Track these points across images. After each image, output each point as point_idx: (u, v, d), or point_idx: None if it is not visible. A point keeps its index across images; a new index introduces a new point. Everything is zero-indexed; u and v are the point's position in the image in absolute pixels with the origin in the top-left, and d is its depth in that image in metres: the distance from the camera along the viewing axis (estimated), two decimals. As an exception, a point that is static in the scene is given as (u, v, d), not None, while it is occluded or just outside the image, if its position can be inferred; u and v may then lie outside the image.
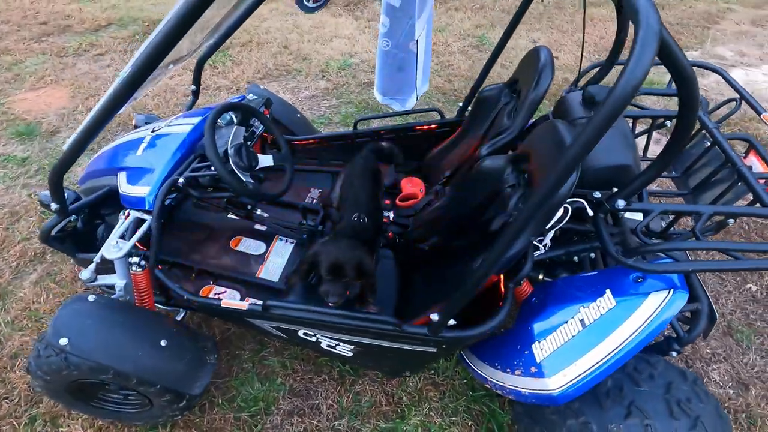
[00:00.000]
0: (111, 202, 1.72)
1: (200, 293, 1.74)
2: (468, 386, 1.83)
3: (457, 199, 1.61)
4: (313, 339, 1.46)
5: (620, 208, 1.10)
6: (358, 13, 5.12)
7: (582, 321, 1.13)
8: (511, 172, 1.35)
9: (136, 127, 2.06)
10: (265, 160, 1.64)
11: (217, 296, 1.74)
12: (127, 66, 1.08)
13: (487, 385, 1.35)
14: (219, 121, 1.62)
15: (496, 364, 1.28)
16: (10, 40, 4.21)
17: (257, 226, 2.05)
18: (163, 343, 1.38)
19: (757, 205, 1.21)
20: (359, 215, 1.46)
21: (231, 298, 1.76)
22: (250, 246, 1.99)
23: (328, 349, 1.48)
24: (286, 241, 2.03)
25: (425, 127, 2.18)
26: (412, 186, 2.12)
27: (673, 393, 1.21)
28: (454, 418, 1.74)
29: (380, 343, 1.33)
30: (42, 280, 2.14)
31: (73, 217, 1.67)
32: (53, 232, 1.59)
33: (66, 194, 1.61)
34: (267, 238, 2.02)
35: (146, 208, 1.47)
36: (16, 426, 1.65)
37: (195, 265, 1.83)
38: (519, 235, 0.92)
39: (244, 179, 1.43)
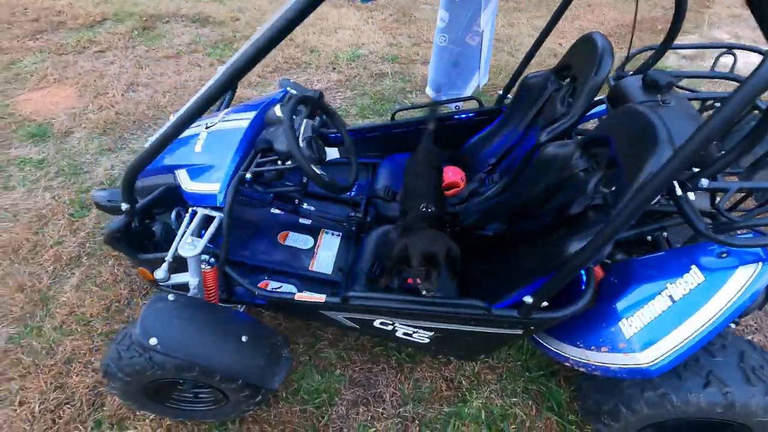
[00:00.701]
0: (161, 201, 1.70)
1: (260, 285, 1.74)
2: (523, 368, 1.89)
3: (518, 186, 1.64)
4: (389, 328, 1.48)
5: (704, 187, 1.15)
6: (358, 4, 5.07)
7: (671, 296, 1.18)
8: (580, 157, 1.39)
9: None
10: (332, 153, 1.63)
11: (274, 291, 1.74)
12: (226, 64, 1.07)
13: (567, 364, 1.40)
14: (278, 113, 1.61)
15: (578, 343, 1.33)
16: (2, 38, 4.05)
17: (302, 220, 2.05)
18: (243, 338, 1.38)
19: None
20: (426, 205, 1.47)
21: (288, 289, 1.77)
22: (297, 240, 1.99)
23: (404, 337, 1.51)
24: (333, 234, 2.04)
25: (464, 116, 2.19)
26: (453, 175, 2.14)
27: (747, 361, 1.28)
28: (514, 399, 1.79)
29: (464, 328, 1.36)
30: (83, 284, 2.10)
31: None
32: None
33: (117, 194, 1.59)
34: (313, 232, 2.03)
35: (217, 205, 1.46)
36: (83, 430, 1.63)
37: (248, 261, 1.83)
38: (630, 220, 0.95)
39: (319, 172, 1.43)
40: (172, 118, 1.28)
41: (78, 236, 2.31)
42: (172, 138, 1.20)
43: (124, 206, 1.43)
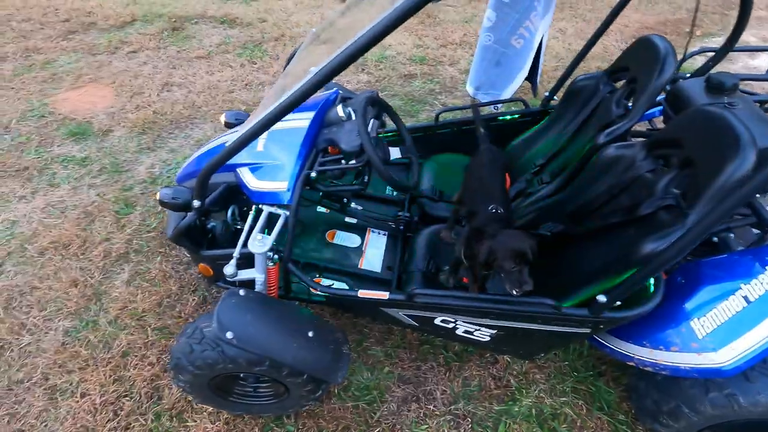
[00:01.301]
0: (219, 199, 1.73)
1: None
2: (571, 368, 1.90)
3: (575, 187, 1.65)
4: (450, 326, 1.50)
5: (779, 189, 1.16)
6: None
7: (745, 297, 1.19)
8: (644, 158, 1.40)
9: (226, 124, 2.06)
10: (395, 153, 1.66)
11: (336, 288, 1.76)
12: (320, 66, 1.09)
13: (630, 363, 1.41)
14: (341, 113, 1.64)
15: (644, 343, 1.34)
16: (36, 38, 4.13)
17: (348, 219, 2.07)
18: (310, 334, 1.41)
19: None
20: (495, 207, 1.49)
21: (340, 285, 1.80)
22: (345, 239, 2.02)
23: (464, 335, 1.53)
24: (379, 233, 2.06)
25: (508, 117, 2.21)
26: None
27: (813, 362, 1.28)
28: (564, 399, 1.80)
29: (528, 326, 1.38)
30: (133, 279, 2.14)
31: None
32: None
33: (183, 192, 1.62)
34: (359, 231, 2.05)
35: (285, 203, 1.49)
36: (144, 422, 1.66)
37: (299, 259, 1.86)
38: (718, 222, 0.96)
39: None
40: (252, 119, 1.31)
41: (125, 233, 2.36)
42: (255, 137, 1.23)
43: (197, 203, 1.46)
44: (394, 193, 2.25)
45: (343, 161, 1.54)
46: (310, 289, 1.56)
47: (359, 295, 1.48)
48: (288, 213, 1.48)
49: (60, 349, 1.87)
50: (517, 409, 1.77)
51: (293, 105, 1.16)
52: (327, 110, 1.82)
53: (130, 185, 2.65)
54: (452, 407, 1.78)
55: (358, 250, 1.98)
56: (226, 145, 1.61)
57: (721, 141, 1.12)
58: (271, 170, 1.55)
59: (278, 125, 1.70)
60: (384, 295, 1.46)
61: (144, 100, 3.35)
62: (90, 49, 4.00)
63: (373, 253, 1.97)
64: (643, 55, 1.61)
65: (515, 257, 1.24)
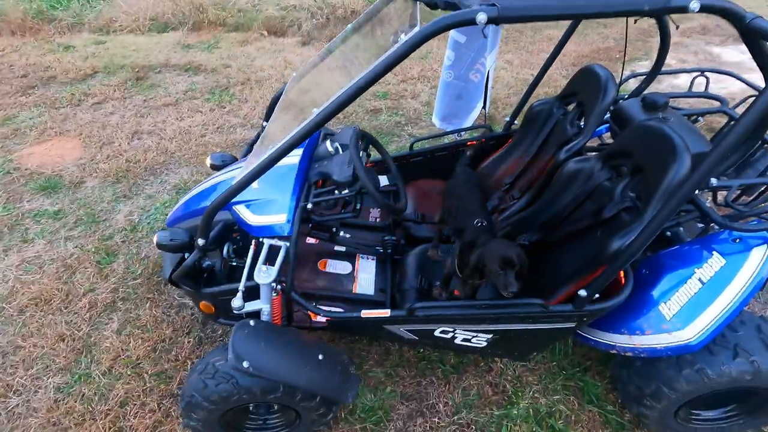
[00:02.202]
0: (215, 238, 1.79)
1: (309, 314, 1.83)
2: (559, 367, 2.03)
3: (544, 200, 1.84)
4: (449, 336, 1.61)
5: (713, 185, 1.38)
6: (343, 47, 5.38)
7: (700, 279, 1.38)
8: (601, 169, 1.62)
9: (212, 166, 2.14)
10: (383, 181, 1.79)
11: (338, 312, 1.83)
12: (326, 104, 1.22)
13: (613, 351, 1.56)
14: (330, 148, 1.77)
15: (623, 330, 1.50)
16: (-7, 95, 4.06)
17: (336, 248, 2.17)
18: (320, 357, 1.47)
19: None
20: (480, 220, 1.64)
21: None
22: (336, 267, 2.10)
23: (462, 343, 1.64)
24: (368, 258, 2.16)
25: (475, 142, 2.42)
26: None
27: (764, 332, 1.48)
28: (557, 397, 1.93)
29: (521, 327, 1.51)
30: (123, 328, 2.12)
31: (187, 254, 1.73)
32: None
33: (180, 233, 1.68)
34: (349, 257, 2.15)
35: (286, 234, 1.57)
36: (151, 471, 1.63)
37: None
38: (670, 217, 1.15)
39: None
40: (254, 159, 1.41)
41: (109, 282, 2.33)
42: (259, 175, 1.33)
43: (201, 241, 1.51)
44: (377, 219, 2.38)
45: (336, 191, 1.66)
46: (311, 315, 1.64)
47: (363, 315, 1.57)
48: (288, 244, 1.57)
49: (53, 407, 1.80)
50: (516, 412, 1.87)
51: (296, 143, 1.27)
52: (314, 146, 1.95)
53: (109, 234, 2.63)
54: (456, 417, 1.86)
55: (350, 276, 2.06)
56: (231, 182, 1.70)
57: (663, 149, 1.34)
58: (268, 205, 1.64)
59: None
60: (386, 312, 1.56)
61: (115, 149, 3.36)
62: (52, 103, 3.97)
63: (365, 278, 2.06)
64: (588, 82, 1.86)
65: (502, 262, 1.38)
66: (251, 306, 1.54)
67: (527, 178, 2.12)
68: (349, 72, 1.96)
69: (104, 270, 2.40)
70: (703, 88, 2.09)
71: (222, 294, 1.67)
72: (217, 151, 3.38)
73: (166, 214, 2.77)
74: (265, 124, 2.26)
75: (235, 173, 1.87)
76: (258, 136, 2.33)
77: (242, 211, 1.67)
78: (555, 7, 1.06)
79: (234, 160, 2.17)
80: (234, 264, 1.82)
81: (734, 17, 1.04)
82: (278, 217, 1.59)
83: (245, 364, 1.32)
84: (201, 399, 1.40)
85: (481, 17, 1.03)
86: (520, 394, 1.93)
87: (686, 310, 1.38)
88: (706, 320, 1.35)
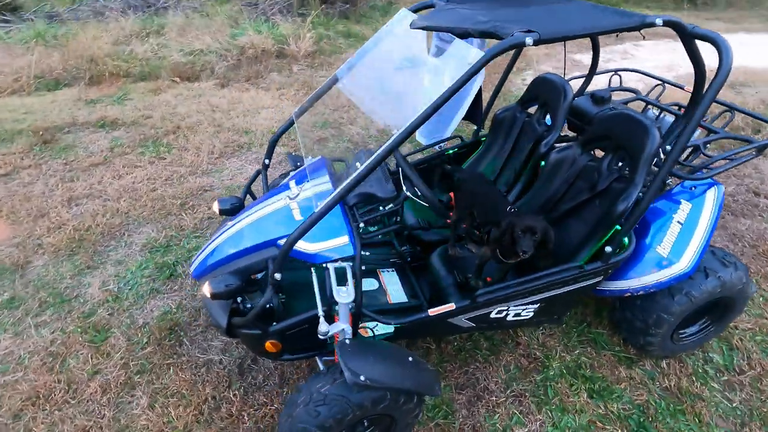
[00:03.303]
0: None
1: (359, 331, 1.91)
2: (569, 327, 2.37)
3: (536, 188, 2.18)
4: (503, 315, 1.83)
5: (668, 150, 1.84)
6: (264, 85, 5.43)
7: (678, 222, 1.81)
8: (581, 154, 2.01)
9: (222, 211, 2.10)
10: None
11: (372, 330, 1.91)
12: (391, 139, 1.38)
13: (627, 294, 1.92)
14: (358, 165, 1.90)
15: (633, 275, 1.87)
16: None
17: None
18: (410, 359, 1.58)
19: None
20: (512, 207, 1.90)
21: (384, 329, 1.97)
22: (365, 285, 2.20)
23: (514, 319, 1.86)
24: (388, 271, 2.30)
25: (451, 151, 2.73)
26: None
27: (718, 255, 1.98)
28: (577, 351, 2.25)
29: (561, 291, 1.79)
30: (155, 401, 1.94)
31: (239, 298, 1.71)
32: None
33: (232, 278, 1.66)
34: (372, 275, 2.26)
35: (353, 254, 1.65)
36: None
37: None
38: (665, 180, 1.54)
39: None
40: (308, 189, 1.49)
41: (114, 359, 2.11)
42: (333, 206, 1.43)
43: (278, 276, 1.53)
44: (379, 236, 2.52)
45: (381, 208, 1.79)
46: (380, 324, 1.73)
47: (430, 313, 1.72)
48: (351, 264, 1.66)
49: (109, 504, 1.60)
50: (552, 373, 2.15)
51: (376, 166, 1.41)
52: (333, 174, 2.05)
53: (90, 310, 2.36)
54: (508, 391, 2.07)
55: (381, 290, 2.17)
56: (263, 223, 1.72)
57: (636, 128, 1.76)
58: (323, 232, 1.71)
59: (305, 194, 1.89)
60: (451, 306, 1.72)
61: (54, 221, 2.99)
62: (-55, 183, 3.37)
63: (394, 288, 2.19)
64: (547, 87, 2.28)
65: (526, 228, 1.63)
66: (334, 328, 1.58)
67: (509, 173, 2.46)
68: (366, 96, 2.13)
69: (102, 348, 2.15)
70: (617, 84, 2.67)
71: (290, 328, 1.68)
72: (177, 203, 3.21)
73: (147, 277, 2.58)
74: (267, 162, 2.30)
75: (262, 213, 1.88)
76: (257, 174, 2.34)
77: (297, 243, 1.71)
78: (572, 30, 1.40)
79: (240, 202, 2.15)
80: (283, 299, 1.83)
81: (682, 27, 1.47)
82: (340, 240, 1.67)
83: (362, 378, 1.38)
84: (316, 428, 1.41)
85: (529, 41, 1.32)
86: (549, 357, 2.22)
87: (676, 246, 1.80)
88: (693, 250, 1.78)
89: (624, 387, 2.08)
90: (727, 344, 2.30)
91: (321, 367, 1.84)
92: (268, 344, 1.72)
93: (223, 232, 1.93)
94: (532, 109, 2.46)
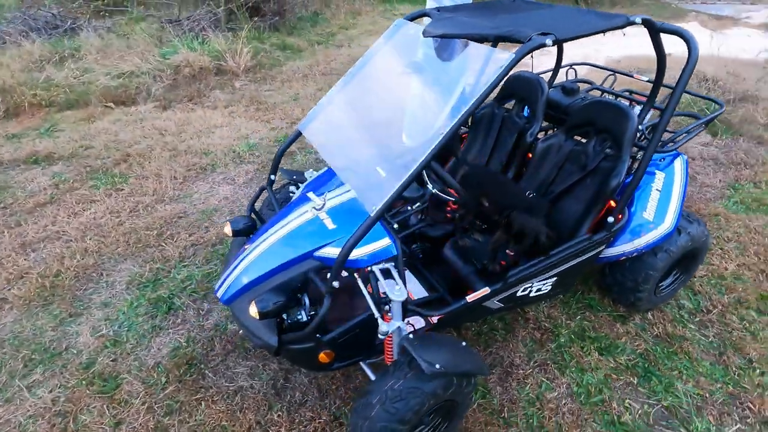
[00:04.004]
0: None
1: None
2: (568, 297, 2.62)
3: (527, 175, 2.39)
4: (527, 292, 1.99)
5: (642, 128, 2.14)
6: (209, 104, 5.22)
7: (656, 189, 2.11)
8: (566, 140, 2.25)
9: (235, 232, 2.04)
10: None
11: (413, 324, 1.99)
12: (423, 155, 1.48)
13: (623, 258, 2.19)
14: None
15: (625, 240, 2.13)
16: None
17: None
18: (463, 344, 1.68)
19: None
20: (529, 192, 2.06)
21: (418, 323, 2.06)
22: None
23: (536, 294, 2.04)
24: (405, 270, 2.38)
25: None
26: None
27: (683, 213, 2.32)
28: (578, 317, 2.50)
29: (573, 263, 2.00)
30: (195, 439, 1.83)
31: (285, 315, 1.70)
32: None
33: (276, 296, 1.66)
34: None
35: (395, 254, 1.71)
36: None
37: None
38: (651, 158, 1.81)
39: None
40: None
41: (134, 406, 1.95)
42: (383, 214, 1.49)
43: (336, 284, 1.54)
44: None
45: (408, 207, 1.87)
46: (427, 318, 1.81)
47: (468, 300, 1.83)
48: (394, 264, 1.72)
49: None
50: (563, 340, 2.37)
51: (406, 186, 1.50)
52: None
53: (88, 360, 2.15)
54: (532, 363, 2.24)
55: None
56: (289, 242, 1.71)
57: (617, 113, 2.02)
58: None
59: (330, 203, 1.92)
60: (486, 290, 1.85)
61: (13, 271, 2.66)
62: None
63: (412, 286, 2.28)
64: (523, 84, 2.51)
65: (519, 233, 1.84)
66: (392, 327, 1.63)
67: (495, 165, 2.66)
68: (377, 103, 2.18)
69: (116, 396, 1.99)
70: (573, 77, 3.00)
71: (343, 335, 1.69)
72: (154, 234, 3.01)
73: (144, 315, 2.41)
74: (273, 177, 2.26)
75: (290, 227, 1.87)
76: (261, 191, 2.29)
77: (335, 251, 1.73)
78: (579, 30, 1.60)
79: (252, 221, 2.11)
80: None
81: (652, 24, 1.74)
82: (382, 242, 1.72)
83: (437, 366, 1.45)
84: (397, 424, 1.46)
85: (549, 42, 1.49)
86: (557, 326, 2.44)
87: (659, 210, 2.10)
88: (672, 212, 2.09)
89: (624, 341, 2.36)
90: (691, 291, 2.68)
91: (368, 372, 1.87)
92: (322, 355, 1.72)
93: (249, 252, 1.88)
94: (508, 105, 2.68)
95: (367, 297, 1.66)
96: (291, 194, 2.32)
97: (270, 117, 4.90)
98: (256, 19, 7.47)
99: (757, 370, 2.20)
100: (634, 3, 12.29)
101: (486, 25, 1.73)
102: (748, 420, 2.00)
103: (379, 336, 1.62)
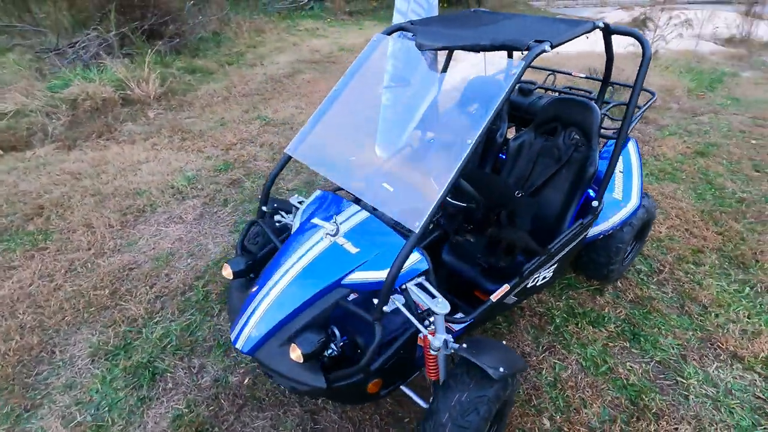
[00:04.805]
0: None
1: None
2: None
3: (504, 174, 2.52)
4: (535, 281, 2.11)
5: (605, 113, 2.40)
6: (123, 138, 4.68)
7: (620, 171, 2.38)
8: (535, 138, 2.44)
9: (236, 273, 1.87)
10: None
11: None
12: (467, 150, 1.51)
13: (600, 236, 2.42)
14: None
15: (602, 220, 2.35)
16: None
17: None
18: (503, 343, 1.73)
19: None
20: (519, 191, 2.16)
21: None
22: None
23: (542, 282, 2.16)
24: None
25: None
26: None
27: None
28: (564, 297, 2.69)
29: (570, 247, 2.16)
30: None
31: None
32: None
33: (316, 335, 1.57)
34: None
35: (426, 268, 1.69)
36: None
37: None
38: (626, 136, 2.04)
39: None
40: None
41: (149, 495, 1.67)
42: (423, 232, 1.49)
43: (387, 308, 1.48)
44: None
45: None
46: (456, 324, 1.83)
47: (493, 299, 1.88)
48: (424, 278, 1.70)
49: None
50: (559, 321, 2.54)
51: (451, 188, 1.52)
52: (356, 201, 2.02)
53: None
54: (540, 348, 2.37)
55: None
56: (306, 282, 1.64)
57: (581, 107, 2.24)
58: (385, 257, 1.69)
59: (345, 227, 1.85)
60: (506, 287, 1.92)
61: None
62: None
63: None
64: (486, 88, 2.66)
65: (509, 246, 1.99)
66: (439, 341, 1.61)
67: (469, 166, 2.77)
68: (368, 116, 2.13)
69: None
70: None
71: (388, 360, 1.63)
72: (97, 289, 2.61)
73: (124, 389, 2.09)
74: (264, 209, 2.10)
75: (307, 259, 1.75)
76: (250, 226, 2.12)
77: (366, 275, 1.66)
78: (561, 36, 1.74)
79: (252, 258, 1.94)
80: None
81: (607, 28, 1.97)
82: (413, 258, 1.69)
83: (501, 370, 1.47)
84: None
85: (548, 48, 1.61)
86: (550, 309, 2.61)
87: (625, 189, 2.37)
88: (636, 189, 2.37)
89: (607, 311, 2.60)
90: (641, 256, 3.06)
91: (410, 393, 1.82)
92: (371, 386, 1.64)
93: (266, 294, 1.72)
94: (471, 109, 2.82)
95: (410, 316, 1.62)
96: (277, 224, 2.17)
97: (200, 146, 4.54)
98: (159, 42, 6.88)
99: (713, 314, 2.58)
100: (505, 6, 13.62)
101: (476, 36, 1.81)
102: (722, 357, 2.33)
103: (431, 352, 1.59)
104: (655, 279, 2.86)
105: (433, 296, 1.63)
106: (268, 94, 6.14)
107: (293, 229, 1.99)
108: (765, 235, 3.23)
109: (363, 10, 12.54)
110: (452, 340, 1.65)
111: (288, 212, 2.16)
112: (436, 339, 1.56)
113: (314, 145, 2.03)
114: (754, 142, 4.77)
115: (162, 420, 1.96)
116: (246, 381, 2.13)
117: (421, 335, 1.62)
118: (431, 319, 1.65)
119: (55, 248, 3.00)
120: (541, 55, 1.66)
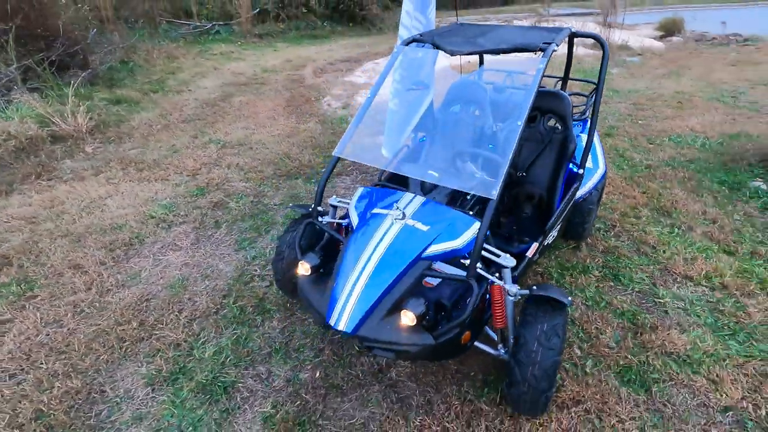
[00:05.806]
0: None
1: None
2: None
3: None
4: (549, 240, 2.55)
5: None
6: (68, 176, 4.30)
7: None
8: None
9: (313, 268, 2.02)
10: None
11: None
12: (521, 121, 1.87)
13: (581, 199, 2.95)
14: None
15: (584, 183, 2.90)
16: None
17: None
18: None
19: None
20: (521, 172, 2.59)
21: None
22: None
23: (550, 241, 2.62)
24: None
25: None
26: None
27: (591, 162, 3.28)
28: (552, 257, 3.21)
29: (567, 208, 2.66)
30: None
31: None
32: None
33: (420, 299, 1.81)
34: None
35: (487, 234, 2.00)
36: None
37: None
38: (595, 124, 2.60)
39: None
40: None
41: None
42: (492, 212, 1.82)
43: (479, 269, 1.76)
44: None
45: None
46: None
47: (529, 255, 2.27)
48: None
49: None
50: (556, 275, 3.02)
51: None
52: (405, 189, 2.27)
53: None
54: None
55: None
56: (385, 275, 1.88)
57: (559, 98, 2.76)
58: (454, 230, 1.97)
59: (411, 208, 2.10)
60: (536, 245, 2.32)
61: (-43, 441, 1.88)
62: None
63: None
64: (467, 87, 3.09)
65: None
66: (515, 287, 1.92)
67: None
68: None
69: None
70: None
71: (471, 313, 1.90)
72: (131, 326, 2.49)
73: (199, 407, 2.08)
74: (321, 208, 2.26)
75: (385, 244, 1.95)
76: (306, 227, 2.26)
77: (442, 246, 1.93)
78: (559, 38, 2.20)
79: (321, 251, 2.12)
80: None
81: (574, 33, 2.52)
82: (475, 227, 1.99)
83: (570, 299, 1.85)
84: (558, 355, 1.79)
85: (556, 48, 2.06)
86: (546, 268, 3.09)
87: (593, 159, 2.95)
88: (601, 158, 2.96)
89: (588, 261, 3.16)
90: (597, 218, 3.72)
91: (483, 346, 2.11)
92: (465, 336, 1.88)
93: (356, 280, 1.87)
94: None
95: (485, 273, 1.92)
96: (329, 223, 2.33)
97: (162, 174, 4.36)
98: (67, 74, 6.33)
99: (661, 251, 3.27)
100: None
101: (491, 42, 2.22)
102: (678, 280, 2.99)
103: (508, 298, 1.91)
104: (612, 233, 3.51)
105: (497, 255, 1.97)
106: (210, 118, 6.02)
107: (353, 224, 2.17)
108: (674, 190, 4.12)
109: (272, 32, 12.63)
110: (518, 287, 1.99)
111: (326, 215, 2.34)
112: (514, 287, 1.89)
113: (358, 145, 2.26)
114: (641, 122, 5.92)
115: (253, 424, 1.99)
116: (318, 374, 2.24)
117: (493, 285, 1.92)
118: (497, 274, 1.98)
119: (47, 294, 2.74)
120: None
